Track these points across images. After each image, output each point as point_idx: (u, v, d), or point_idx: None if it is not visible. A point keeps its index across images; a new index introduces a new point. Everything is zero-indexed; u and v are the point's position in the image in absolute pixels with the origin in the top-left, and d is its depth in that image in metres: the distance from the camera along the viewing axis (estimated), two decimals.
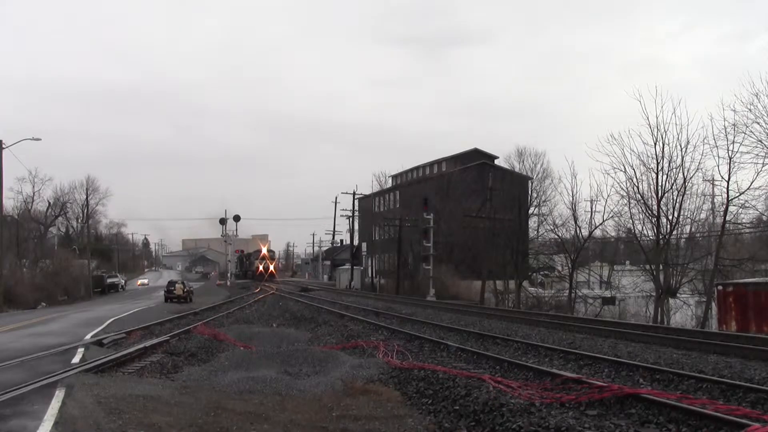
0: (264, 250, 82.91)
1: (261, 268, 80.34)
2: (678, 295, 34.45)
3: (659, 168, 32.29)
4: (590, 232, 41.75)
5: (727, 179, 30.03)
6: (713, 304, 27.51)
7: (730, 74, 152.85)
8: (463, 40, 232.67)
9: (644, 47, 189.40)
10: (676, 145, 31.84)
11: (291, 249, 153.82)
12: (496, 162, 63.17)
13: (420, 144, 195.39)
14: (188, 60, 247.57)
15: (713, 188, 34.65)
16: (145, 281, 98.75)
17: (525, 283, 47.25)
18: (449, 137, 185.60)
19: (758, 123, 28.17)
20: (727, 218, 31.42)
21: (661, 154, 32.13)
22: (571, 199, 40.63)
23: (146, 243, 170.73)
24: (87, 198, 76.41)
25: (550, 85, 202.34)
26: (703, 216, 36.58)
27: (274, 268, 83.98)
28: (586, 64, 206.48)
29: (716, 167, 32.41)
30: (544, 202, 52.62)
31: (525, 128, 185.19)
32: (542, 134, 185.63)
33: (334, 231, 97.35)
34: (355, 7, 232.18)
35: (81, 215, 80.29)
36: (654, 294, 34.28)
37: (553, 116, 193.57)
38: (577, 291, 41.42)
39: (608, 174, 39.03)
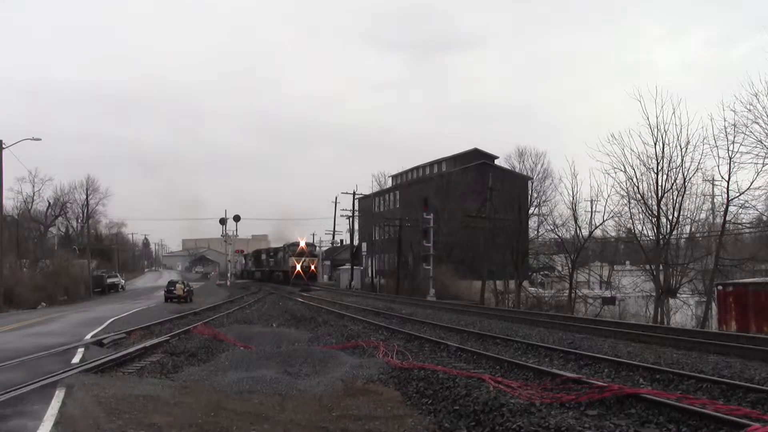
0: (302, 243, 63.17)
1: (299, 267, 60.38)
2: (678, 295, 34.48)
3: (659, 168, 32.42)
4: (590, 232, 41.83)
5: (727, 179, 30.17)
6: (713, 304, 27.53)
7: (718, 77, 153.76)
8: (459, 45, 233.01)
9: (635, 51, 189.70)
10: (676, 145, 32.00)
11: None
12: (496, 162, 63.26)
13: (420, 145, 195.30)
14: (188, 63, 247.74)
15: (713, 188, 34.79)
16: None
17: (525, 283, 47.31)
18: (449, 138, 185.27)
19: (758, 123, 28.32)
20: (727, 218, 31.51)
21: (661, 154, 32.27)
22: (571, 199, 40.77)
23: (146, 243, 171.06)
24: (87, 198, 76.40)
25: (548, 87, 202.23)
26: (703, 216, 36.73)
27: (315, 267, 63.86)
28: (583, 66, 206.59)
29: (716, 167, 32.58)
30: (544, 202, 52.89)
31: (524, 129, 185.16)
32: (542, 135, 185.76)
33: (334, 231, 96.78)
34: (351, 11, 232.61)
35: (81, 215, 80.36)
36: (654, 294, 34.30)
37: (551, 117, 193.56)
38: (577, 291, 41.45)
39: (608, 174, 39.34)
